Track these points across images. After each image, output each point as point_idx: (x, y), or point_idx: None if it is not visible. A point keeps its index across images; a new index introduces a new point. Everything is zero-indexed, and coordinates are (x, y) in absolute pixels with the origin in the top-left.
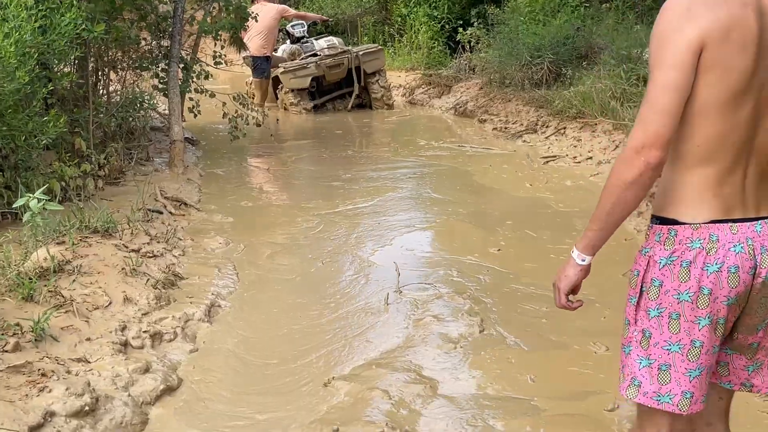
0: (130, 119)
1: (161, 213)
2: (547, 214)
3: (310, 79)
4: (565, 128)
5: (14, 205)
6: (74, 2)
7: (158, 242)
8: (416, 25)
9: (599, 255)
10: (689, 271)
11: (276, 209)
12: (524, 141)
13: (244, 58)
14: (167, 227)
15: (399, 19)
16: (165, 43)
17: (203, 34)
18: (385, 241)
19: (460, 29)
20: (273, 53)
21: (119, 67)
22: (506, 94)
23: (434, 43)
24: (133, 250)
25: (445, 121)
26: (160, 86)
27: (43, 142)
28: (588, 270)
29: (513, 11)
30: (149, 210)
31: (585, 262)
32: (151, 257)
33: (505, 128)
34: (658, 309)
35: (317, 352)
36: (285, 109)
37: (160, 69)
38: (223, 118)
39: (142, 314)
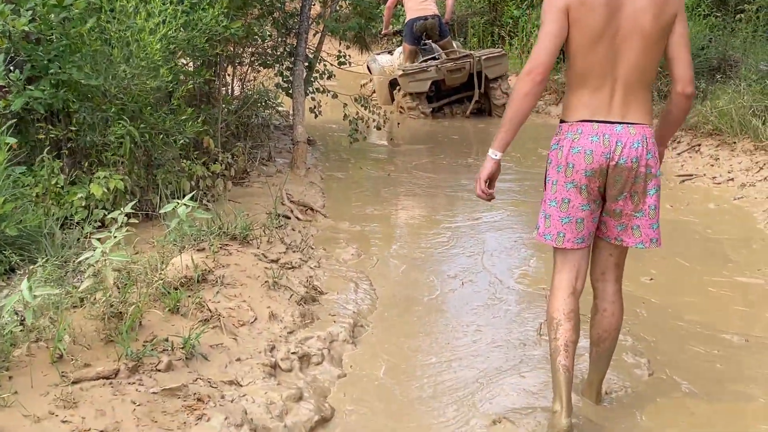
0: (254, 117)
1: (288, 218)
2: (695, 240)
3: (429, 83)
4: (699, 145)
5: (161, 211)
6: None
7: (294, 252)
8: (528, 28)
9: None
10: (563, 151)
11: (403, 219)
12: None
13: (369, 61)
14: (301, 235)
15: (510, 21)
16: (290, 41)
17: (329, 34)
18: (522, 262)
19: None
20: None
21: (240, 63)
22: None
23: None
24: (272, 260)
25: None
26: (283, 84)
27: (180, 141)
28: (499, 165)
29: None
30: (278, 215)
31: (497, 157)
32: (290, 269)
33: None
34: (548, 177)
35: (469, 385)
36: (400, 111)
37: (284, 67)
38: (343, 119)
39: (288, 332)
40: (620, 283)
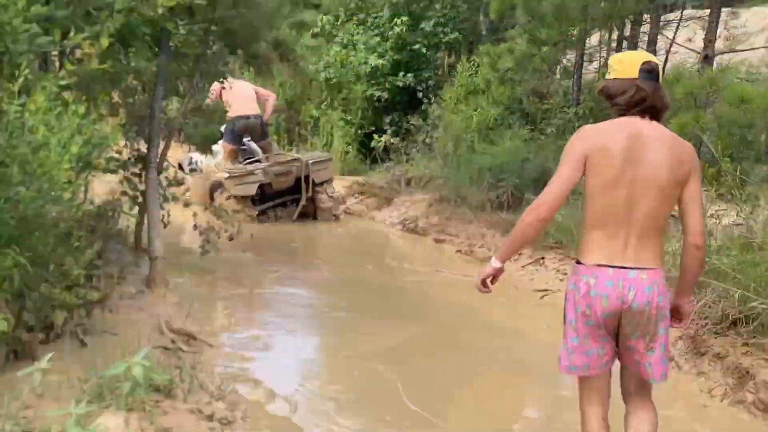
0: (109, 230)
1: (169, 350)
2: None
3: (256, 186)
4: (543, 258)
5: (109, 373)
6: None
7: (216, 400)
8: (328, 129)
9: None
10: (580, 292)
11: (300, 349)
12: None
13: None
14: (217, 378)
15: (311, 120)
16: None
17: (187, 140)
18: (443, 394)
19: (375, 136)
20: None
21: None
22: (464, 214)
23: (349, 148)
24: (207, 416)
25: (396, 237)
26: (130, 193)
27: (76, 272)
28: (499, 272)
29: (446, 129)
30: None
31: (498, 265)
32: (226, 424)
33: (471, 251)
34: (567, 315)
35: None
36: (219, 216)
37: (130, 173)
38: (194, 230)
39: None
40: (650, 395)
